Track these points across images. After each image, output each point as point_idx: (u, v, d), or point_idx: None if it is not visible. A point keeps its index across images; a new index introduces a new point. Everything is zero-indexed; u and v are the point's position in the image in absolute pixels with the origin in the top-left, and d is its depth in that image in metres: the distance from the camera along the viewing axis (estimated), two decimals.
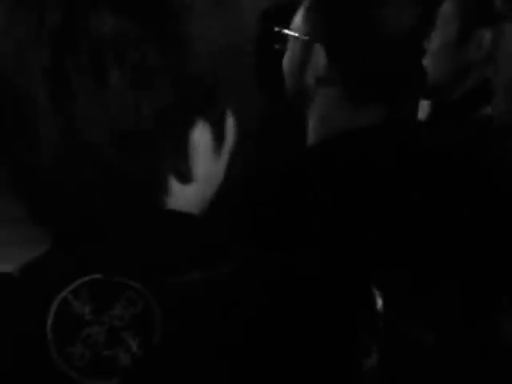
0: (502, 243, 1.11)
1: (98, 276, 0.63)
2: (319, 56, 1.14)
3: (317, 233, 1.07)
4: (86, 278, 0.63)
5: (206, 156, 0.69)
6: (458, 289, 1.06)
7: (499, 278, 1.09)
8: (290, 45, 1.21)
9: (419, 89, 1.34)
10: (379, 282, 0.67)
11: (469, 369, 0.81)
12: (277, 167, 1.19)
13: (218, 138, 0.69)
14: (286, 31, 1.21)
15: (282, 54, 1.23)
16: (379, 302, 0.67)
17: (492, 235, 1.11)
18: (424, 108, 1.67)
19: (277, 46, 1.22)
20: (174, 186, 0.67)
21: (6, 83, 0.63)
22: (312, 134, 1.21)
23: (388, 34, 1.12)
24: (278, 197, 1.11)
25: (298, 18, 1.19)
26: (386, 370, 0.66)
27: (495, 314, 1.04)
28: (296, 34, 1.19)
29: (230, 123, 0.71)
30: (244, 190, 1.12)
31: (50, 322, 0.62)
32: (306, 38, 1.16)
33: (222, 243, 0.68)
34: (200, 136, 0.67)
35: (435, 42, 1.61)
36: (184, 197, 0.68)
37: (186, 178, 0.67)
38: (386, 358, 0.66)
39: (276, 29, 1.22)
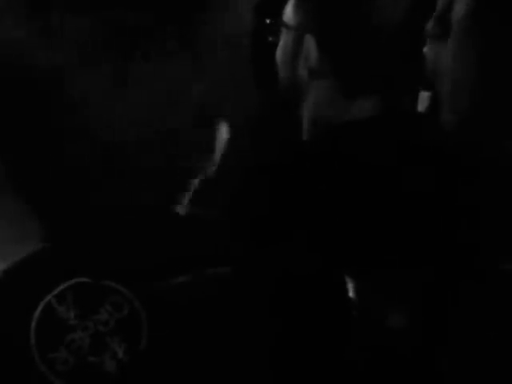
0: (489, 236, 1.10)
1: (83, 280, 0.62)
2: (310, 47, 1.14)
3: (312, 227, 1.06)
4: (71, 282, 0.62)
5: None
6: (432, 275, 1.06)
7: (472, 268, 1.08)
8: (282, 36, 1.20)
9: (418, 79, 1.33)
10: (352, 269, 0.67)
11: (443, 353, 0.82)
12: (272, 161, 1.19)
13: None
14: (278, 22, 1.20)
15: (275, 46, 1.23)
16: (352, 290, 0.67)
17: (482, 227, 1.10)
18: (424, 100, 1.66)
19: (270, 38, 1.22)
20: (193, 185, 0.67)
21: (18, 79, 0.61)
22: (307, 127, 1.21)
23: (383, 22, 1.11)
24: (273, 191, 1.11)
25: (289, 9, 1.18)
26: (367, 358, 0.66)
27: (467, 299, 1.04)
28: (287, 25, 1.18)
29: (225, 124, 0.70)
30: (238, 185, 1.12)
31: (33, 326, 0.60)
32: (298, 29, 1.16)
33: (218, 244, 0.67)
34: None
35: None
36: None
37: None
38: (365, 345, 0.66)
39: (268, 20, 1.22)
